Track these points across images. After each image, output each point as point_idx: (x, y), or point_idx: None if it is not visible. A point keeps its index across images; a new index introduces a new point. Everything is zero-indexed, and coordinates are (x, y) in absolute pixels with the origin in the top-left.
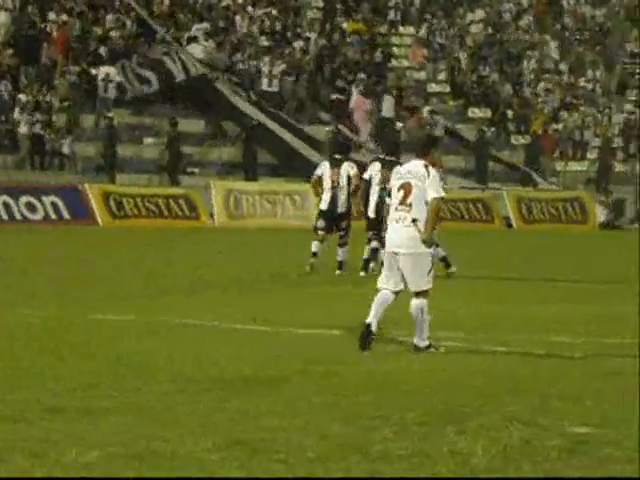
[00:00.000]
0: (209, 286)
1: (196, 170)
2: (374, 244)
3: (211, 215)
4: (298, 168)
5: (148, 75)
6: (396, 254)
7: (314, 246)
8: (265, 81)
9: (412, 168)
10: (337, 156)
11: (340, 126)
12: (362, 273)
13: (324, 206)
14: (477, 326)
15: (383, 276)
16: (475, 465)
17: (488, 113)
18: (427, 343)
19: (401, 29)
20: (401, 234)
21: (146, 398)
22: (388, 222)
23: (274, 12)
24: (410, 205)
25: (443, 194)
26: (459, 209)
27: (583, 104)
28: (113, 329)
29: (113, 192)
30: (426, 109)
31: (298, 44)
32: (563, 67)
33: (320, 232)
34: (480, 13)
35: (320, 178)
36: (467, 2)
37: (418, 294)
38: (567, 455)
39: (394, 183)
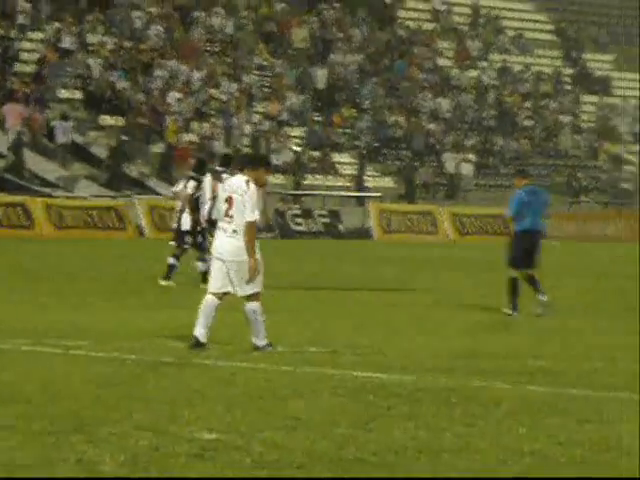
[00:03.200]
0: None
1: None
2: (171, 261)
3: None
4: None
5: None
6: (223, 261)
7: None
8: None
9: (235, 182)
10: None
11: None
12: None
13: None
14: (104, 334)
15: (210, 279)
16: (102, 473)
17: (121, 121)
18: (265, 342)
19: (30, 34)
20: (224, 243)
21: None
22: (216, 230)
23: None
24: (232, 217)
25: (257, 216)
26: (92, 217)
27: (215, 114)
28: None
29: None
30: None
31: None
32: (195, 77)
33: (185, 246)
34: (111, 20)
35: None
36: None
37: (249, 297)
38: (195, 461)
39: (221, 195)
